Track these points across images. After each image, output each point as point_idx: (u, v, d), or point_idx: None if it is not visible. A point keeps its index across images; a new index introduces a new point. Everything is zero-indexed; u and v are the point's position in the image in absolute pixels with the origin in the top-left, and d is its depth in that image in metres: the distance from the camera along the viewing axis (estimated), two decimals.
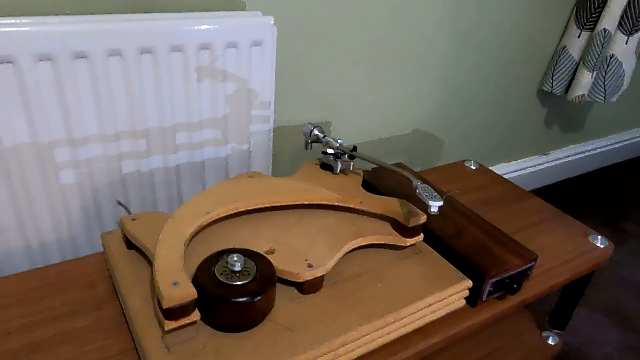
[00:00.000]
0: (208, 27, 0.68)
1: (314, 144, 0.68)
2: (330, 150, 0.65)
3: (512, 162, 1.43)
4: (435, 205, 0.52)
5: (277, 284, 0.53)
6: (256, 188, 0.61)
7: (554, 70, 1.26)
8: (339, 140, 0.66)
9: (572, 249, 0.77)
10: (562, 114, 1.46)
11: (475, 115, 1.24)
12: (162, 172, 0.75)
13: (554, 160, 1.53)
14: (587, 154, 1.62)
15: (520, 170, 1.44)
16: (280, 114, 0.92)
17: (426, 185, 0.55)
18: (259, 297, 0.47)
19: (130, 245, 0.58)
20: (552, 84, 1.27)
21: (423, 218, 0.59)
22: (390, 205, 0.61)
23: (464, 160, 1.00)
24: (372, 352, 0.54)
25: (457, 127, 1.22)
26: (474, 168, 0.98)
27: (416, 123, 1.12)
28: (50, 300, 0.57)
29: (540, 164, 1.49)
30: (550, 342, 0.89)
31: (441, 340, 0.59)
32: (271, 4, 0.80)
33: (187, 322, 0.45)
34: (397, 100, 1.06)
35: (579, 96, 1.24)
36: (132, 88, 0.67)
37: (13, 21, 0.57)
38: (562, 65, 1.25)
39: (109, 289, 0.60)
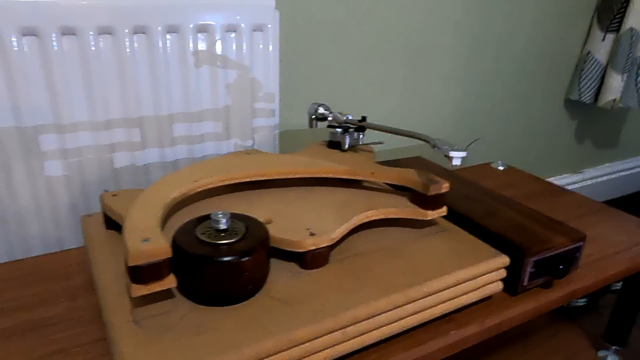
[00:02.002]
0: (205, 5, 0.64)
1: (319, 122, 0.62)
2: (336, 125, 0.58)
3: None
4: (457, 157, 0.44)
5: (275, 259, 0.45)
6: (253, 161, 0.54)
7: (580, 78, 1.19)
8: (347, 115, 0.59)
9: (626, 239, 0.66)
10: (595, 128, 1.37)
11: (498, 126, 1.16)
12: (159, 167, 0.69)
13: (589, 179, 1.42)
14: (626, 172, 1.51)
15: None
16: (287, 117, 0.86)
17: (445, 140, 0.47)
18: (247, 258, 0.38)
19: (110, 225, 0.51)
20: (579, 91, 1.20)
21: (445, 186, 0.51)
22: (406, 174, 0.53)
23: (490, 162, 0.92)
24: (391, 340, 0.44)
25: (481, 138, 1.15)
26: (501, 169, 0.89)
27: (434, 130, 1.05)
28: (19, 290, 0.50)
29: (574, 183, 1.38)
30: None
31: (476, 333, 0.49)
32: None
33: (160, 288, 0.37)
34: (414, 105, 1.00)
35: (610, 101, 1.16)
36: (124, 71, 0.63)
37: None
38: (589, 71, 1.18)
39: (87, 280, 0.52)
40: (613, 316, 0.75)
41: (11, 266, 0.55)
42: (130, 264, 0.35)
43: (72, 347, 0.43)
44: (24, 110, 0.59)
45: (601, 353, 0.77)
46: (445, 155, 0.45)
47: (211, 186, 0.50)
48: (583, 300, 1.01)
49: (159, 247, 0.36)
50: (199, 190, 0.49)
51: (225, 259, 0.38)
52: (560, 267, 0.51)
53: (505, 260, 0.48)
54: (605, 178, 1.46)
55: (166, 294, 0.40)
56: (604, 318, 0.88)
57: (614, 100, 1.16)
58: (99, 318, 0.46)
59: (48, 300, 0.49)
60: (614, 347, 0.77)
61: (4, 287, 0.51)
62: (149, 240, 0.37)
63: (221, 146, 0.73)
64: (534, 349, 0.78)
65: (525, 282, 0.51)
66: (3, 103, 0.57)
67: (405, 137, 1.00)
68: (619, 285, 1.00)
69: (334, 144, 0.60)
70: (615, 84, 1.14)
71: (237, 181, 0.51)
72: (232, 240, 0.39)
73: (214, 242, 0.39)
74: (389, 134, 0.55)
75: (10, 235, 0.62)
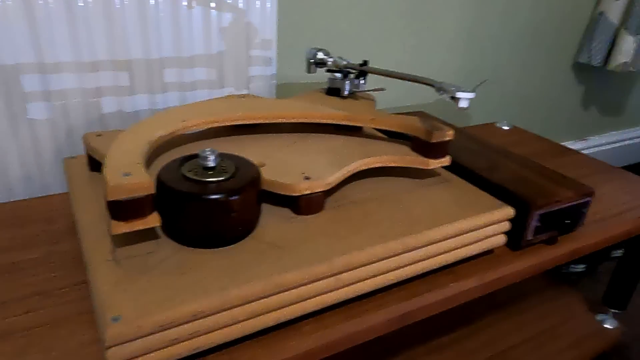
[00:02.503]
0: None
1: (318, 68, 0.58)
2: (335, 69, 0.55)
3: None
4: (465, 98, 0.41)
5: (267, 205, 0.43)
6: (246, 105, 0.51)
7: (591, 39, 1.15)
8: (347, 60, 0.56)
9: (631, 200, 0.64)
10: (602, 93, 1.33)
11: (501, 88, 1.12)
12: (149, 114, 0.66)
13: (593, 147, 1.39)
14: (632, 141, 1.48)
15: None
16: (285, 68, 0.83)
17: (451, 83, 0.44)
18: (235, 196, 0.36)
19: (93, 167, 0.48)
20: (589, 54, 1.16)
21: (449, 133, 0.48)
22: (409, 120, 0.50)
23: (495, 122, 0.89)
24: (387, 290, 0.42)
25: (484, 101, 1.11)
26: (506, 128, 0.86)
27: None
28: None
29: (578, 150, 1.35)
30: (607, 325, 0.74)
31: (476, 287, 0.47)
32: None
33: (142, 226, 0.35)
34: (416, 64, 0.96)
35: (621, 64, 1.12)
36: (111, 7, 0.59)
37: None
38: (600, 33, 1.13)
39: (69, 224, 0.50)
40: (613, 279, 0.74)
41: None
42: (109, 199, 0.33)
43: (51, 289, 0.41)
44: (3, 46, 0.55)
45: (599, 317, 0.76)
46: (452, 98, 0.42)
47: (200, 127, 0.47)
48: (582, 266, 1.00)
49: (140, 181, 0.34)
50: (187, 130, 0.46)
51: (213, 196, 0.35)
52: (567, 221, 0.49)
53: (509, 211, 0.46)
54: (609, 146, 1.43)
55: (150, 235, 0.38)
56: (602, 284, 0.87)
57: (625, 63, 1.12)
58: (80, 262, 0.44)
59: (28, 243, 0.47)
60: (612, 311, 0.75)
61: None
62: (130, 174, 0.34)
63: (214, 94, 0.70)
64: (530, 311, 0.76)
65: (530, 237, 0.49)
66: None
67: (408, 96, 0.96)
68: (618, 253, 0.99)
69: (333, 91, 0.57)
70: (628, 46, 1.10)
71: (228, 123, 0.48)
72: (221, 179, 0.37)
73: (201, 179, 0.36)
74: (391, 86, 0.52)
75: None
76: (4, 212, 0.51)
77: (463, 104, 0.41)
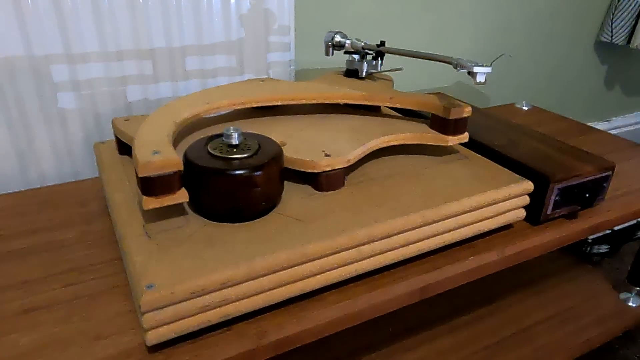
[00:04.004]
0: None
1: (336, 50, 0.59)
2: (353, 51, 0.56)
3: None
4: (482, 72, 0.42)
5: (288, 182, 0.44)
6: (267, 87, 0.53)
7: (613, 17, 1.12)
8: (365, 41, 0.57)
9: None
10: (625, 73, 1.30)
11: (522, 67, 1.11)
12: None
13: (617, 128, 1.37)
14: None
15: None
16: (303, 54, 0.83)
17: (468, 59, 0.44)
18: (259, 172, 0.37)
19: (122, 150, 0.50)
20: (611, 32, 1.13)
21: (467, 110, 0.48)
22: (427, 98, 0.50)
23: (514, 103, 0.88)
24: (408, 262, 0.43)
25: (502, 82, 1.10)
26: (526, 109, 0.86)
27: (457, 74, 1.01)
28: (35, 215, 0.50)
29: None
30: (630, 304, 0.74)
31: (495, 261, 0.47)
32: None
33: (172, 201, 0.36)
34: (434, 43, 0.96)
35: None
36: None
37: None
38: (623, 10, 1.11)
39: (101, 206, 0.52)
40: (638, 256, 0.73)
41: (27, 194, 0.55)
42: (140, 175, 0.35)
43: (86, 266, 0.43)
44: (33, 38, 0.57)
45: (623, 295, 0.76)
46: (469, 73, 0.43)
47: (223, 109, 0.48)
48: (605, 246, 0.99)
49: (169, 158, 0.35)
50: (210, 112, 0.47)
51: (237, 172, 0.37)
52: (587, 196, 0.49)
53: (528, 185, 0.47)
54: (632, 127, 1.41)
55: (178, 210, 0.40)
56: (625, 264, 0.86)
57: None
58: (112, 241, 0.46)
59: (63, 224, 0.49)
60: (637, 289, 0.75)
61: (20, 212, 0.51)
62: (159, 152, 0.36)
63: (234, 81, 0.71)
64: (553, 290, 0.76)
65: (549, 211, 0.49)
66: (13, 31, 0.56)
67: (423, 80, 0.96)
68: None
69: (351, 73, 0.58)
70: None
71: (250, 105, 0.50)
72: (245, 155, 0.38)
73: (226, 156, 0.38)
74: (407, 69, 0.52)
75: (25, 167, 0.62)
76: (40, 196, 0.54)
77: (480, 78, 0.42)
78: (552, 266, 0.82)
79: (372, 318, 0.41)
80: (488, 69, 0.42)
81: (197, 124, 0.50)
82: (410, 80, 0.94)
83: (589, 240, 0.93)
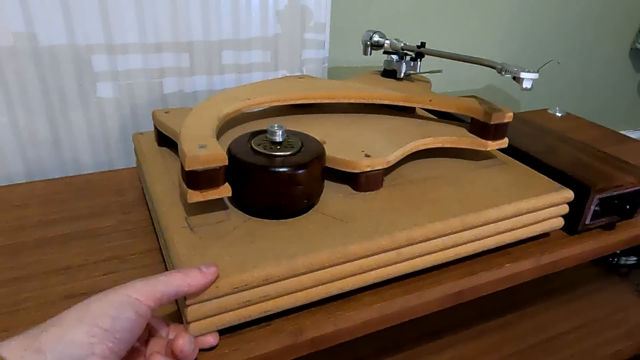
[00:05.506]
0: None
1: (374, 50, 0.59)
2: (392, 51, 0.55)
3: None
4: (528, 78, 0.41)
5: (328, 181, 0.44)
6: (306, 85, 0.53)
7: None
8: (404, 42, 0.56)
9: None
10: None
11: (557, 74, 1.10)
12: (206, 95, 0.69)
13: None
14: None
15: None
16: (338, 52, 0.83)
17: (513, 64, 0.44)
18: (302, 170, 0.37)
19: (162, 142, 0.51)
20: None
21: (509, 115, 0.48)
22: (467, 102, 0.50)
23: (547, 108, 0.87)
24: (444, 267, 0.43)
25: (537, 86, 1.08)
26: (559, 115, 0.85)
27: (492, 75, 1.00)
28: (74, 202, 0.51)
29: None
30: None
31: (531, 269, 0.47)
32: None
33: (216, 195, 0.37)
34: (473, 48, 0.95)
35: None
36: None
37: None
38: None
39: (138, 196, 0.53)
40: None
41: (65, 181, 0.56)
42: (187, 169, 0.35)
43: (126, 254, 0.44)
44: (77, 28, 0.58)
45: None
46: (514, 78, 0.42)
47: (263, 105, 0.48)
48: (634, 258, 0.97)
49: (215, 153, 0.36)
50: (251, 108, 0.48)
51: (281, 169, 0.37)
52: (627, 207, 0.48)
53: (569, 194, 0.46)
54: None
55: (220, 205, 0.40)
56: None
57: None
58: (150, 231, 0.47)
59: (102, 212, 0.50)
60: None
61: (60, 198, 0.52)
62: (205, 147, 0.36)
63: (269, 77, 0.72)
64: (580, 300, 0.75)
65: (588, 221, 0.49)
66: (57, 20, 0.57)
67: (453, 83, 0.95)
68: None
69: (389, 73, 0.58)
70: None
71: (289, 102, 0.50)
72: (288, 153, 0.38)
73: (270, 153, 0.38)
74: (447, 68, 0.52)
75: (62, 155, 0.63)
76: (78, 184, 0.55)
77: (527, 84, 0.41)
78: (580, 276, 0.81)
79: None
80: (535, 75, 0.41)
81: (236, 119, 0.50)
82: (441, 84, 0.93)
83: (617, 252, 0.91)
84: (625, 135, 0.76)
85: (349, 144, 0.45)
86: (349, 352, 0.62)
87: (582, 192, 0.47)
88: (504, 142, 0.49)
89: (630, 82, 1.23)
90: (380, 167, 0.43)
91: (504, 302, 0.72)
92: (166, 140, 0.50)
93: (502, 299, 0.72)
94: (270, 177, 0.37)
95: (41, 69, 0.58)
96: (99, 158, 0.66)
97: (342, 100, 0.51)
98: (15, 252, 0.43)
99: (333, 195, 0.43)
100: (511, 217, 0.43)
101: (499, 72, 0.45)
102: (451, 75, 0.94)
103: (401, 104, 0.52)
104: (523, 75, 0.41)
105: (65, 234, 0.46)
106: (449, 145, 0.49)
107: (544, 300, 0.74)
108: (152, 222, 0.48)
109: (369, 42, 0.58)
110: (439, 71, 0.55)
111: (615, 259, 0.91)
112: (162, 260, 0.43)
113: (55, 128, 0.62)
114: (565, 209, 0.47)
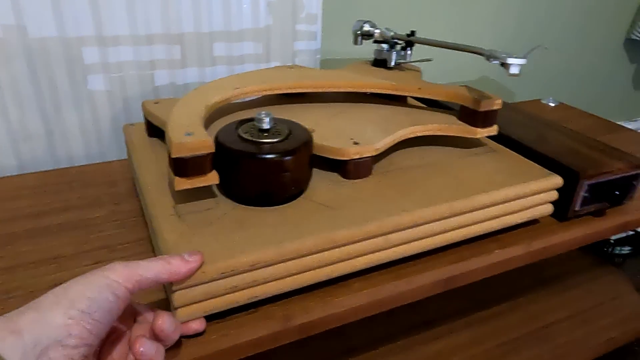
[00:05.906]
0: None
1: (364, 40, 0.59)
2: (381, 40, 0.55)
3: None
4: (516, 64, 0.41)
5: (315, 169, 0.44)
6: (295, 74, 0.53)
7: None
8: (394, 31, 0.56)
9: None
10: None
11: (550, 63, 1.10)
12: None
13: None
14: None
15: None
16: (330, 44, 0.83)
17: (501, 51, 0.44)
18: (289, 157, 0.37)
19: (152, 132, 0.51)
20: None
21: (497, 102, 0.48)
22: (456, 89, 0.50)
23: (540, 99, 0.87)
24: (433, 253, 0.43)
25: (529, 77, 1.09)
26: (552, 105, 0.85)
27: (485, 65, 1.00)
28: (66, 194, 0.52)
29: None
30: None
31: (521, 255, 0.47)
32: None
33: (203, 183, 0.37)
34: (463, 37, 0.95)
35: None
36: None
37: None
38: None
39: (129, 187, 0.53)
40: None
41: (57, 173, 0.56)
42: (173, 156, 0.35)
43: (116, 244, 0.44)
44: (67, 20, 0.58)
45: None
46: (502, 64, 0.42)
47: (252, 94, 0.48)
48: (628, 248, 0.97)
49: (202, 140, 0.36)
50: (240, 97, 0.48)
51: (268, 156, 0.37)
52: (616, 193, 0.49)
53: (557, 180, 0.46)
54: None
55: (208, 193, 0.40)
56: None
57: None
58: (141, 221, 0.47)
59: (93, 203, 0.50)
60: None
61: (52, 190, 0.52)
62: (192, 134, 0.36)
63: (261, 68, 0.72)
64: (574, 289, 0.76)
65: (577, 207, 0.49)
66: (47, 13, 0.57)
67: (447, 74, 0.95)
68: None
69: (379, 62, 0.58)
70: None
71: (278, 92, 0.50)
72: (275, 140, 0.38)
73: (257, 140, 0.38)
74: (432, 62, 0.52)
75: (54, 147, 0.63)
76: (70, 176, 0.55)
77: (514, 70, 0.41)
78: (574, 265, 0.81)
79: (392, 308, 0.41)
80: (523, 61, 0.41)
81: (225, 109, 0.50)
82: (433, 74, 0.93)
83: (612, 241, 0.92)
84: (617, 124, 0.77)
85: (338, 132, 0.45)
86: (341, 342, 0.62)
87: (571, 178, 0.47)
88: (493, 130, 0.49)
89: (625, 72, 1.23)
90: (369, 155, 0.43)
91: (498, 292, 0.72)
92: (156, 131, 0.50)
93: (494, 288, 0.72)
94: (257, 163, 0.37)
95: (31, 61, 0.58)
96: (91, 150, 0.66)
97: (331, 90, 0.51)
98: (6, 242, 0.43)
99: (322, 183, 0.43)
100: (500, 204, 0.44)
101: (487, 58, 0.45)
102: (444, 66, 0.94)
103: (390, 92, 0.52)
104: (510, 60, 0.41)
105: (56, 224, 0.46)
106: (438, 133, 0.49)
107: (538, 289, 0.74)
108: (143, 212, 0.48)
109: (359, 32, 0.58)
110: (429, 60, 0.55)
111: (610, 249, 0.92)
112: (152, 250, 0.43)
113: (46, 121, 0.62)
114: (554, 195, 0.47)
